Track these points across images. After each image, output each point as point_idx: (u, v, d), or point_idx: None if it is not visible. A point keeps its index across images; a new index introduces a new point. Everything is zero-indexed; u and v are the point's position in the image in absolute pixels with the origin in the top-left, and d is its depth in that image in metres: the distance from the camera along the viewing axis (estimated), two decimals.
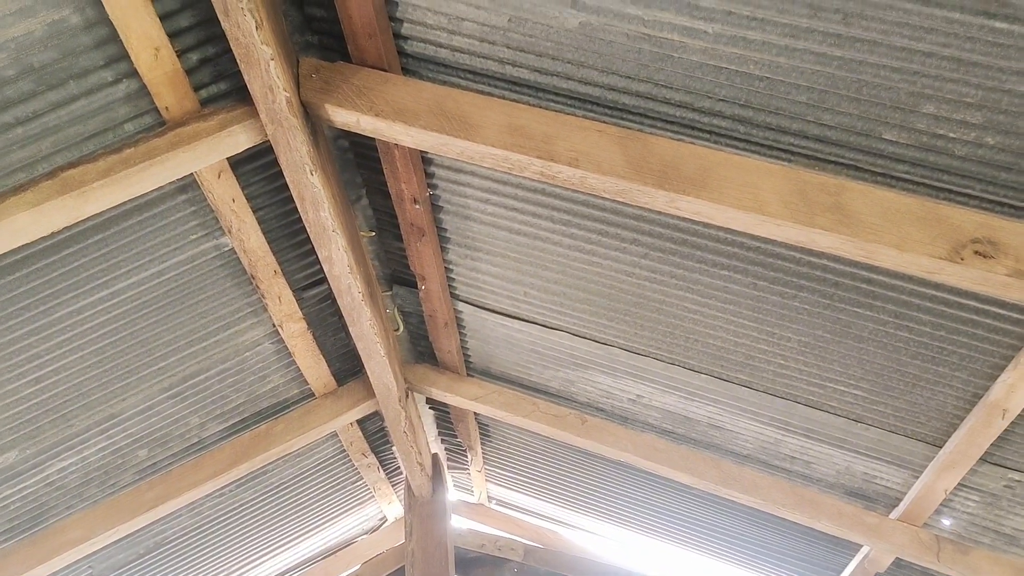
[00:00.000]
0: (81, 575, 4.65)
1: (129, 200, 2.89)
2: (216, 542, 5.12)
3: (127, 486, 4.22)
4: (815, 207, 2.45)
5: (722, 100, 2.48)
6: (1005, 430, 3.30)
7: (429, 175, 3.27)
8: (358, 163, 3.38)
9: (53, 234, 2.88)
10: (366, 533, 6.26)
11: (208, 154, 2.75)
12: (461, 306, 4.05)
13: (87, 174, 2.62)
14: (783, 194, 2.47)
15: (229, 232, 3.23)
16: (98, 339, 3.39)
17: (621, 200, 2.67)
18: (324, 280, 3.86)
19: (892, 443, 3.71)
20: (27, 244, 2.85)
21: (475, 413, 5.05)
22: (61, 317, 3.21)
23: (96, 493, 4.14)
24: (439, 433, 5.55)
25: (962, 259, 2.36)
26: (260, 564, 5.65)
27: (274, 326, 3.86)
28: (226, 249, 3.38)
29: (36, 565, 4.07)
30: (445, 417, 5.32)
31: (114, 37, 2.46)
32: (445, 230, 3.56)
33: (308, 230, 3.05)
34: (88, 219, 2.90)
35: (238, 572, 5.57)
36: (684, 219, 3.00)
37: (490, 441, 5.41)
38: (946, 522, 4.06)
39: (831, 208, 2.44)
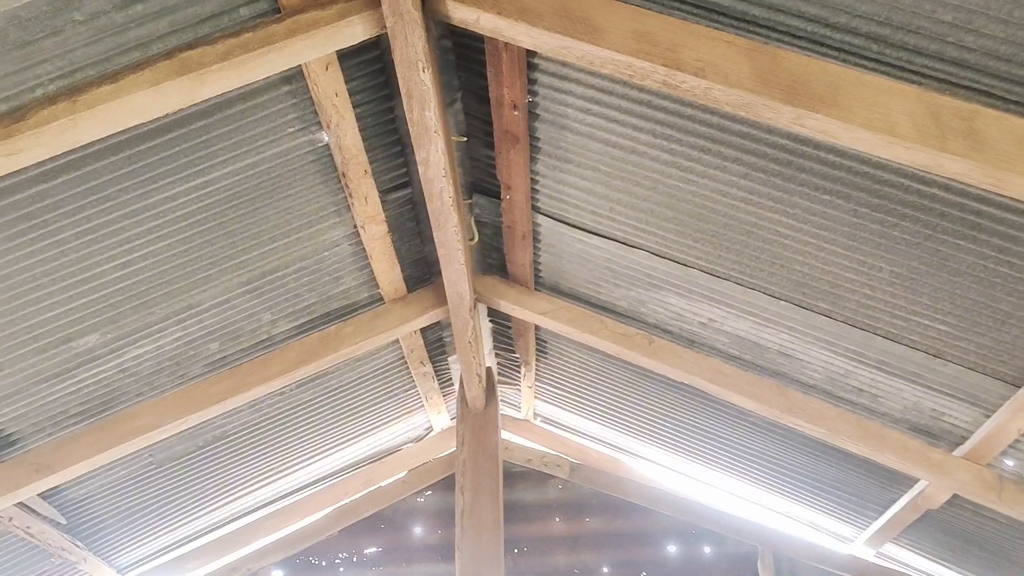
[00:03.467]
0: (142, 462, 4.73)
1: (239, 87, 2.85)
2: (272, 439, 5.19)
3: (195, 378, 4.26)
4: (947, 131, 2.42)
5: (860, 16, 2.43)
6: None
7: (531, 81, 3.23)
8: (458, 65, 3.35)
9: (163, 117, 2.86)
10: (411, 442, 6.33)
11: (324, 44, 2.72)
12: (541, 219, 4.03)
13: (206, 56, 2.60)
14: (915, 116, 2.44)
15: (328, 127, 3.20)
16: (187, 227, 3.40)
17: (743, 114, 2.64)
18: (407, 184, 3.85)
19: (969, 380, 3.70)
20: (135, 127, 2.84)
21: (537, 327, 5.06)
22: (155, 203, 3.21)
23: (166, 383, 4.19)
24: (494, 346, 5.57)
25: None
26: (309, 465, 5.74)
27: (355, 227, 3.85)
28: (320, 145, 3.36)
29: (104, 450, 4.14)
30: (503, 331, 5.34)
31: None
32: (538, 139, 3.52)
33: (411, 129, 3.02)
34: (199, 103, 2.88)
35: (288, 471, 5.66)
36: (793, 138, 2.96)
37: (546, 358, 5.43)
38: (1009, 463, 4.08)
39: (964, 133, 2.41)
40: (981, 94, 2.47)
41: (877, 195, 3.03)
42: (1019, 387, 3.58)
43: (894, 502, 4.94)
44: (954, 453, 4.13)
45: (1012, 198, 2.61)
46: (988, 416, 3.83)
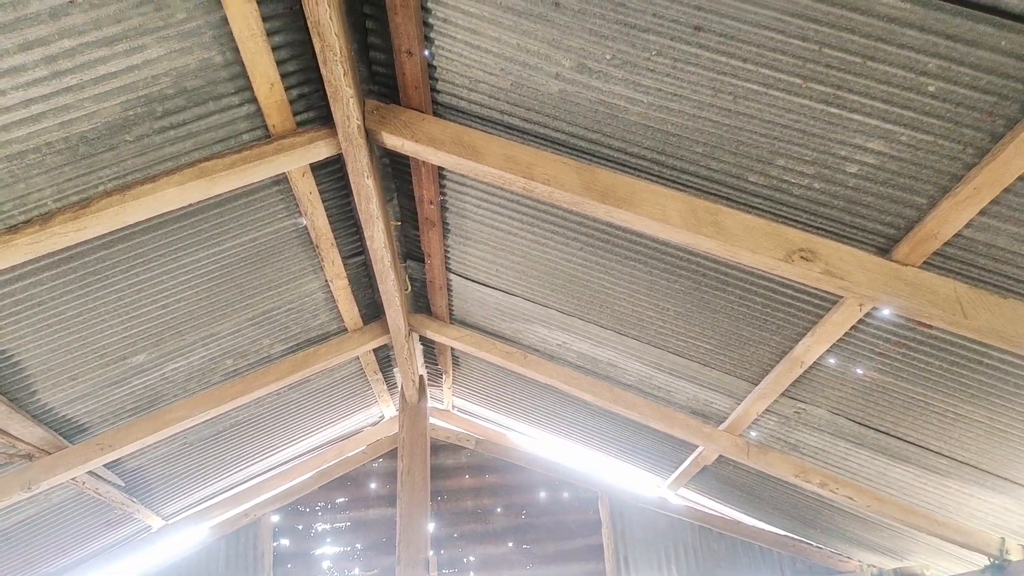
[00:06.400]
0: (179, 442, 4.52)
1: (242, 186, 2.80)
2: (273, 426, 5.02)
3: (216, 383, 4.10)
4: (701, 221, 2.49)
5: (646, 148, 2.50)
6: (800, 375, 3.39)
7: (442, 185, 3.23)
8: (393, 174, 3.33)
9: (189, 206, 2.78)
10: (370, 425, 6.18)
11: (300, 159, 2.68)
12: (452, 276, 4.01)
13: (217, 166, 2.54)
14: (681, 212, 2.50)
15: (305, 214, 3.16)
16: (208, 280, 3.29)
17: (575, 210, 2.68)
18: (362, 252, 3.80)
19: (725, 381, 3.78)
20: (169, 212, 2.76)
21: (452, 348, 5.02)
22: (185, 263, 3.11)
23: (195, 387, 4.03)
24: (425, 361, 5.50)
25: (792, 261, 2.43)
26: (299, 442, 5.55)
27: (326, 281, 3.78)
28: (301, 226, 3.30)
29: (151, 434, 3.96)
30: (430, 350, 5.27)
31: (243, 74, 2.39)
32: (448, 224, 3.52)
33: (360, 217, 2.98)
34: (214, 197, 2.81)
35: (281, 447, 5.46)
36: (611, 225, 3.01)
37: (459, 368, 5.37)
38: (753, 433, 4.17)
39: (711, 223, 2.49)
40: (722, 198, 2.55)
41: (663, 261, 3.09)
42: (757, 384, 3.67)
43: (684, 460, 4.99)
44: (719, 428, 4.21)
45: (743, 264, 2.68)
46: (738, 403, 3.91)
